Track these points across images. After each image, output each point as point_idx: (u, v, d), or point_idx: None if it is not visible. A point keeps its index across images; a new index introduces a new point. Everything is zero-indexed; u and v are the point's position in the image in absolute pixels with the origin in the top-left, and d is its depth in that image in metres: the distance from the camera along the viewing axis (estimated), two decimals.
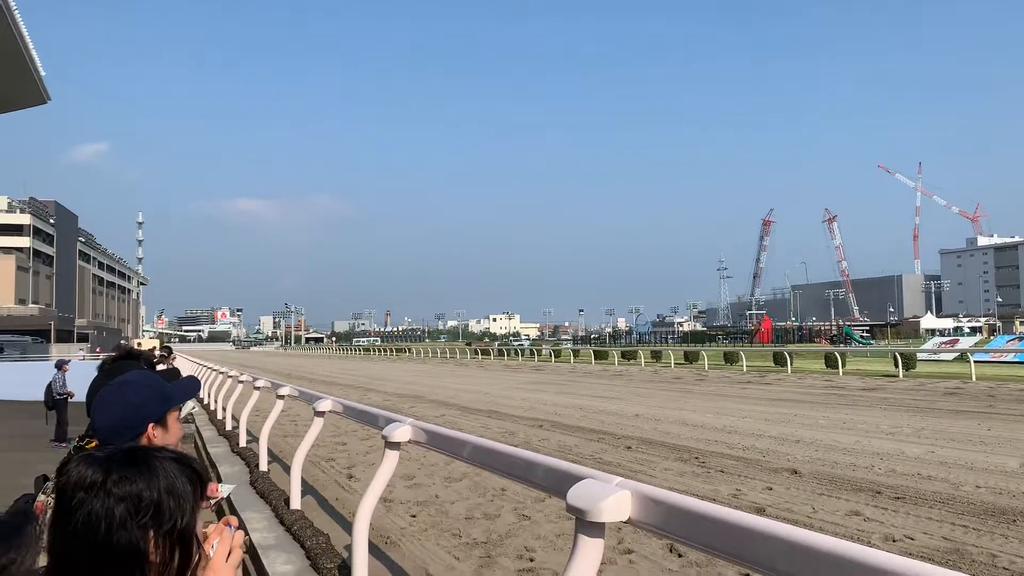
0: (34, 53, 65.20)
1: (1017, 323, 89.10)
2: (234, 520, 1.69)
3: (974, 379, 26.05)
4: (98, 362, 2.80)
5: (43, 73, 69.56)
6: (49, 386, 16.29)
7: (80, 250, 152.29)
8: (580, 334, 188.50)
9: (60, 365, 16.92)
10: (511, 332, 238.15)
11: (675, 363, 45.11)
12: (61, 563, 1.36)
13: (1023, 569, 5.64)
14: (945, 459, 10.45)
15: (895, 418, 15.39)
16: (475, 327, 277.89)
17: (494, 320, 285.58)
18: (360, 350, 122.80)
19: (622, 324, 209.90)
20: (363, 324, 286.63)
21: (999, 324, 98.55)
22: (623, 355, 53.22)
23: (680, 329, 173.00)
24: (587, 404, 19.92)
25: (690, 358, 46.87)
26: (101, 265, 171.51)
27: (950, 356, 39.99)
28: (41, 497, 2.11)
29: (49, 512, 1.99)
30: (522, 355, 67.55)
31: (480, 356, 71.78)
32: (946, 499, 8.02)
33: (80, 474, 1.38)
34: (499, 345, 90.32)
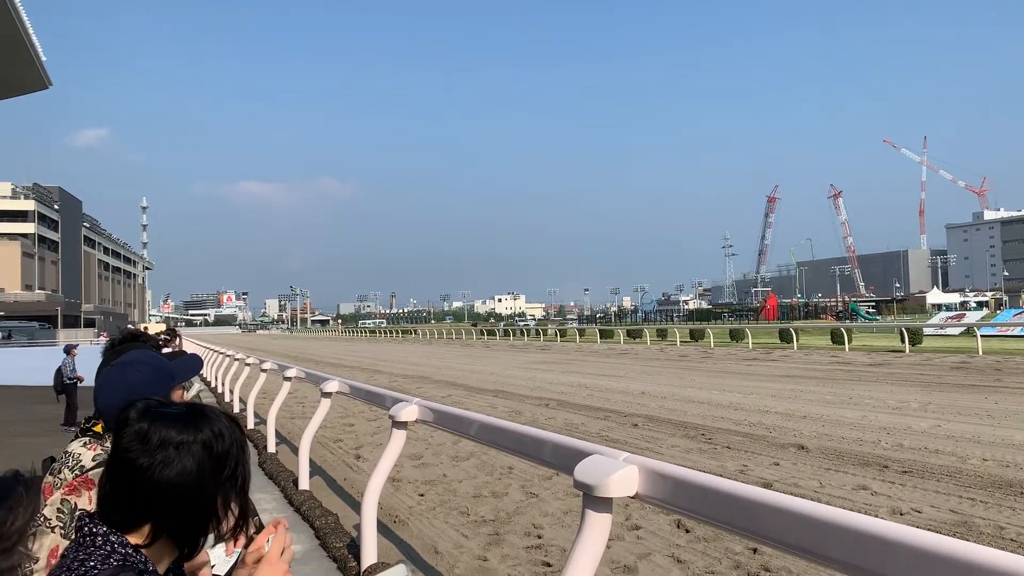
0: (35, 38, 65.00)
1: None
2: (285, 522, 1.79)
3: (980, 353, 26.00)
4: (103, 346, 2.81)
5: (44, 58, 69.35)
6: (59, 371, 16.35)
7: (85, 235, 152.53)
8: (585, 313, 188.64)
9: (69, 350, 16.97)
10: (516, 312, 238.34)
11: (680, 341, 45.12)
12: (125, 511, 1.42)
13: None
14: (952, 433, 10.45)
15: (901, 393, 15.38)
16: (480, 308, 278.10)
17: (499, 301, 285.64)
18: (366, 332, 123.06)
19: (627, 303, 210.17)
20: (369, 306, 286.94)
21: (1006, 298, 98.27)
22: (629, 334, 53.26)
23: (685, 307, 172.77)
24: (593, 383, 19.95)
25: (696, 336, 46.89)
26: (106, 250, 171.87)
27: (957, 331, 39.90)
28: (49, 478, 2.12)
29: (57, 492, 2.00)
30: (528, 335, 67.66)
31: (486, 337, 71.88)
32: (953, 472, 8.02)
33: (142, 428, 1.43)
34: (504, 325, 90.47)
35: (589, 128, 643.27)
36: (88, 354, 16.35)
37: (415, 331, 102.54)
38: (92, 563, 1.34)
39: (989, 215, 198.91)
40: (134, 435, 1.43)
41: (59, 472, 2.14)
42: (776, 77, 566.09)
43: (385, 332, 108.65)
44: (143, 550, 1.41)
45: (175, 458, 1.40)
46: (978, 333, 29.36)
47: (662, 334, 51.36)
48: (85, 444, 2.22)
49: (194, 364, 2.62)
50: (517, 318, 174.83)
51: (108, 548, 1.37)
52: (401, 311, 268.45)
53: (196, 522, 1.44)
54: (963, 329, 38.70)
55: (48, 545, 1.86)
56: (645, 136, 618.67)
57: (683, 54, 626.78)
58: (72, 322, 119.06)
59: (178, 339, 10.32)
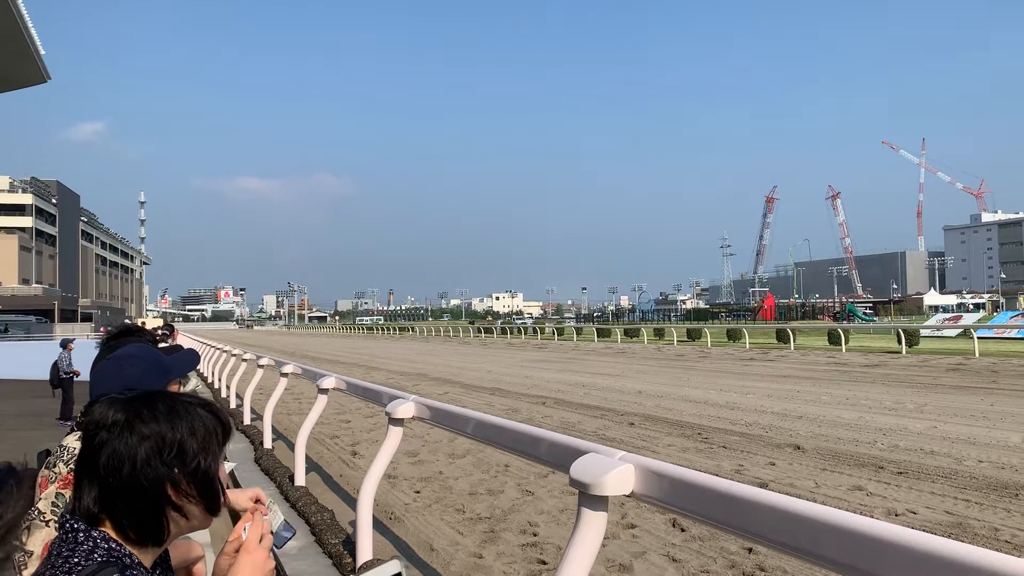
0: (33, 31, 64.84)
1: (1021, 299, 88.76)
2: (263, 509, 1.77)
3: (977, 355, 26.04)
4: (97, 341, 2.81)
5: (43, 52, 69.18)
6: (55, 365, 16.35)
7: (83, 230, 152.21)
8: (583, 312, 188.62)
9: (65, 344, 16.98)
10: (514, 311, 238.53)
11: (678, 340, 45.15)
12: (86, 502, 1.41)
13: None
14: (948, 434, 10.47)
15: (898, 394, 15.40)
16: (478, 306, 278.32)
17: (497, 299, 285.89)
18: (363, 329, 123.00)
19: (625, 302, 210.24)
20: (366, 303, 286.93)
21: (1003, 300, 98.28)
22: (626, 333, 53.26)
23: (683, 307, 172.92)
24: (590, 381, 19.95)
25: (693, 335, 46.91)
26: (104, 245, 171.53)
27: (953, 332, 39.95)
28: (44, 471, 2.12)
29: (52, 486, 2.00)
30: (525, 333, 67.66)
31: (483, 335, 71.86)
32: (948, 474, 8.04)
33: (103, 414, 1.43)
34: (502, 324, 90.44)
35: (589, 127, 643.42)
36: (85, 349, 16.36)
37: (412, 328, 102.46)
38: (76, 559, 1.33)
39: (987, 217, 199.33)
40: (83, 422, 1.44)
41: (54, 466, 2.14)
42: (776, 77, 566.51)
43: (382, 329, 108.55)
44: (127, 544, 1.40)
45: (106, 440, 1.39)
46: (975, 335, 29.38)
47: (659, 333, 51.38)
48: (80, 438, 2.21)
49: (190, 359, 2.62)
50: (515, 316, 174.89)
51: (91, 544, 1.36)
52: (399, 308, 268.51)
53: (143, 509, 1.41)
54: (960, 331, 38.74)
55: (43, 539, 1.86)
56: (644, 136, 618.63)
57: (683, 54, 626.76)
58: (69, 316, 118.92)
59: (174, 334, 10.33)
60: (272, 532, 2.37)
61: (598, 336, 54.22)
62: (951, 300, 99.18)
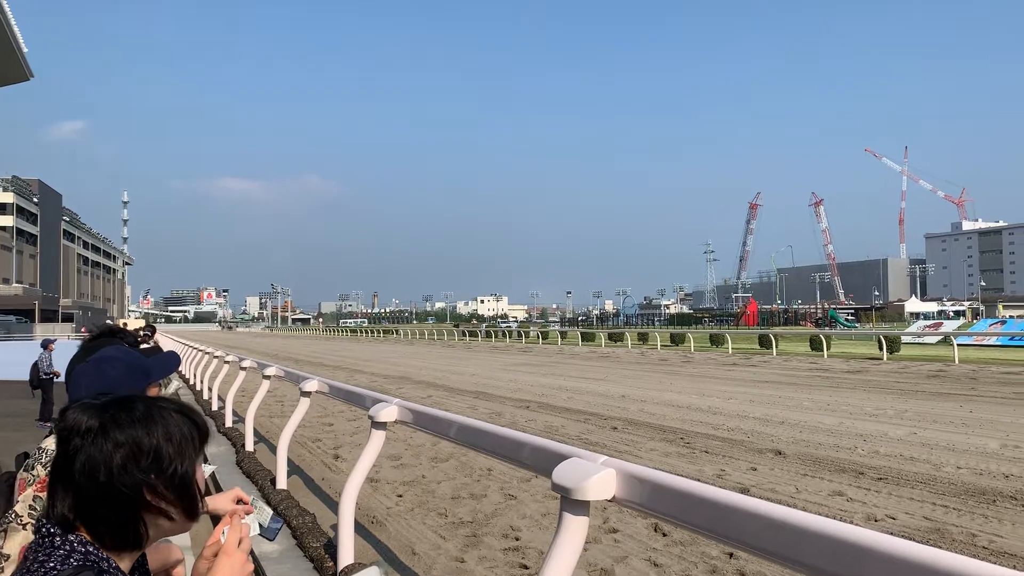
0: (16, 29, 64.25)
1: (1000, 307, 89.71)
2: (241, 511, 1.76)
3: (957, 362, 26.26)
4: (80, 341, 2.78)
5: (25, 49, 68.58)
6: (35, 365, 16.19)
7: (64, 229, 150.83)
8: (568, 316, 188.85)
9: (46, 344, 16.80)
10: (499, 314, 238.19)
11: (661, 345, 45.26)
12: (59, 506, 1.40)
13: (1002, 548, 5.72)
14: (927, 440, 10.55)
15: (878, 400, 15.51)
16: (463, 309, 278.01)
17: (482, 302, 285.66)
18: (347, 331, 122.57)
19: (609, 306, 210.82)
20: (350, 305, 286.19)
21: (982, 308, 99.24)
22: (610, 337, 53.38)
23: (667, 311, 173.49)
24: (574, 385, 19.97)
25: (676, 340, 47.04)
26: (86, 245, 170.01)
27: (934, 339, 40.27)
28: (23, 474, 2.10)
29: (29, 488, 1.98)
30: (509, 337, 67.62)
31: (467, 338, 71.78)
32: (927, 480, 8.10)
33: (76, 420, 1.41)
34: (487, 327, 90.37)
35: (574, 132, 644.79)
36: (66, 349, 16.19)
37: (397, 331, 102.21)
38: (52, 564, 1.32)
39: (967, 226, 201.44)
40: (58, 428, 1.43)
41: (32, 468, 2.11)
42: (761, 84, 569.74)
43: (366, 332, 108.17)
44: (104, 550, 1.39)
45: (80, 447, 1.38)
46: (955, 342, 29.63)
47: (643, 338, 51.53)
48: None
49: (171, 362, 2.60)
50: (499, 320, 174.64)
51: (67, 548, 1.35)
52: (383, 311, 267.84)
53: (119, 515, 1.40)
54: (940, 338, 39.05)
55: (19, 542, 1.83)
56: (630, 141, 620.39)
57: (669, 61, 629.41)
58: (50, 316, 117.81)
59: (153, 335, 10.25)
60: (262, 526, 2.37)
61: (582, 340, 54.26)
62: (932, 307, 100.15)
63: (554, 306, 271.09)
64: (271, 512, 2.41)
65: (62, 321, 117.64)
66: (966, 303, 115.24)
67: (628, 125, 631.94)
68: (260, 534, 2.35)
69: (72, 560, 1.33)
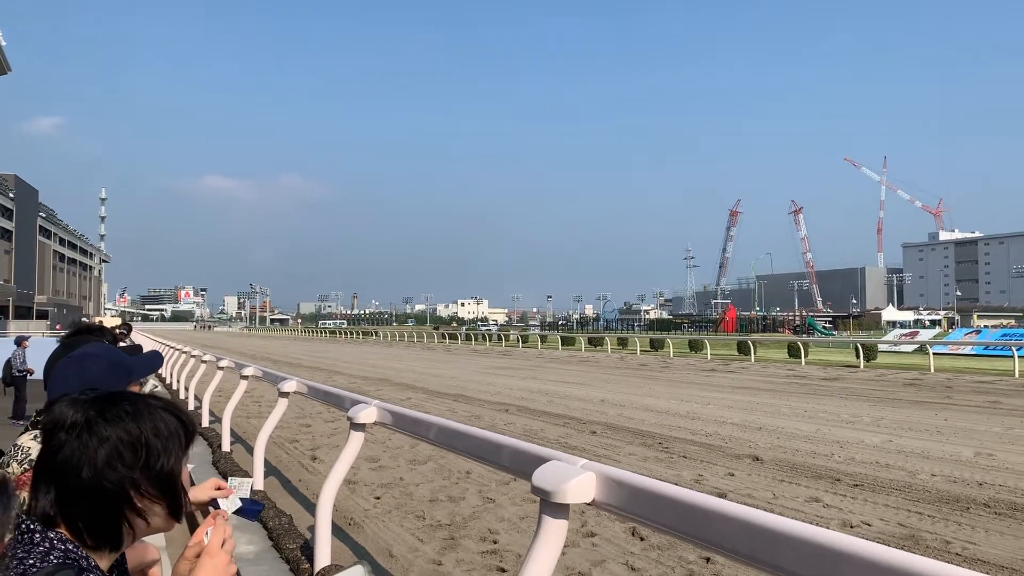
0: None
1: (975, 316, 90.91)
2: (224, 513, 1.74)
3: (932, 371, 26.52)
4: (57, 338, 2.76)
5: (3, 43, 67.88)
6: (8, 362, 15.97)
7: (40, 225, 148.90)
8: (548, 320, 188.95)
9: (20, 341, 16.59)
10: (479, 317, 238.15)
11: (641, 350, 45.40)
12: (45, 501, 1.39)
13: (975, 555, 5.78)
14: (903, 448, 10.65)
15: (855, 407, 15.64)
16: (443, 311, 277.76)
17: (462, 305, 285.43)
18: (326, 332, 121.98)
19: (589, 311, 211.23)
20: (329, 306, 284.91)
21: (958, 317, 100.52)
22: (590, 341, 53.41)
23: (646, 317, 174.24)
24: (553, 389, 19.99)
25: (656, 345, 47.22)
26: (62, 241, 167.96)
27: (910, 348, 40.62)
28: None
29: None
30: (490, 340, 67.56)
31: (447, 341, 71.66)
32: (903, 487, 8.18)
33: (62, 414, 1.40)
34: (467, 330, 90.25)
35: (556, 136, 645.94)
36: (40, 346, 16.00)
37: (376, 333, 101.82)
38: (31, 561, 1.30)
39: (944, 236, 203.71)
40: (43, 422, 1.42)
41: (7, 466, 2.09)
42: (740, 92, 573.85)
43: (346, 333, 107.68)
44: (84, 547, 1.37)
45: (65, 441, 1.37)
46: (930, 351, 29.92)
47: (623, 343, 51.61)
48: (35, 437, 2.17)
49: (154, 361, 2.58)
50: (480, 323, 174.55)
51: (47, 544, 1.33)
52: (363, 312, 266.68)
53: (101, 512, 1.38)
54: (916, 346, 39.42)
55: None
56: (611, 148, 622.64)
57: (652, 66, 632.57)
58: (24, 313, 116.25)
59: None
60: (243, 500, 2.35)
61: (562, 344, 54.31)
62: (908, 316, 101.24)
63: (535, 310, 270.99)
64: (251, 482, 2.39)
65: (37, 318, 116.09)
66: (942, 312, 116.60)
67: (609, 131, 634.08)
68: (241, 511, 2.32)
69: (52, 557, 1.31)
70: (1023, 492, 7.96)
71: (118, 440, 1.39)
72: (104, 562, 1.42)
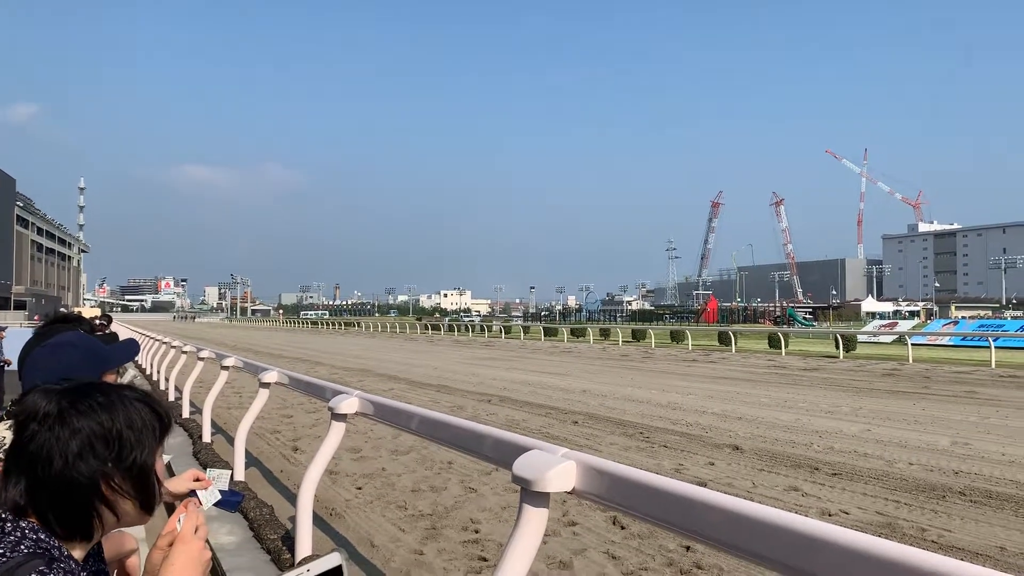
0: None
1: (953, 308, 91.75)
2: (196, 501, 1.73)
3: (911, 361, 26.79)
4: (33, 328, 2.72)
5: None
6: None
7: (18, 214, 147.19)
8: (531, 311, 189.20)
9: None
10: (462, 308, 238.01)
11: (623, 341, 45.56)
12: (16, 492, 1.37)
13: (951, 542, 5.86)
14: (881, 437, 10.76)
15: (834, 397, 15.77)
16: (426, 302, 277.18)
17: (445, 296, 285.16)
18: (308, 323, 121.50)
19: (572, 302, 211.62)
20: (311, 297, 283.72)
21: (936, 308, 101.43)
22: (572, 332, 53.58)
23: (628, 308, 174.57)
24: (536, 380, 20.03)
25: (637, 336, 47.40)
26: (40, 231, 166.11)
27: (889, 339, 41.05)
28: None
29: None
30: (472, 331, 67.56)
31: (430, 332, 71.57)
32: (880, 475, 8.26)
33: (35, 404, 1.38)
34: (449, 321, 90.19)
35: (539, 128, 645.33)
36: (18, 337, 15.82)
37: (358, 324, 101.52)
38: (1, 550, 1.29)
39: (923, 227, 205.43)
40: (15, 411, 1.40)
41: None
42: (722, 85, 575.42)
43: (327, 324, 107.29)
44: (55, 537, 1.36)
45: (37, 432, 1.36)
46: (909, 342, 30.22)
47: (605, 333, 51.77)
48: (9, 427, 2.14)
49: (130, 349, 2.56)
50: (462, 314, 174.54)
51: (18, 534, 1.32)
52: (345, 303, 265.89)
53: (72, 504, 1.37)
54: (895, 337, 39.82)
55: None
56: (593, 137, 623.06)
57: (635, 59, 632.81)
58: (1, 304, 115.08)
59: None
60: (223, 492, 2.33)
61: (545, 335, 54.39)
62: (887, 307, 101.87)
63: (517, 301, 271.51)
64: (229, 473, 2.38)
65: (14, 309, 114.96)
66: (920, 303, 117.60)
67: (592, 123, 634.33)
68: (220, 502, 2.30)
69: (23, 547, 1.30)
70: (998, 480, 8.08)
71: (90, 432, 1.38)
72: (78, 552, 1.40)
